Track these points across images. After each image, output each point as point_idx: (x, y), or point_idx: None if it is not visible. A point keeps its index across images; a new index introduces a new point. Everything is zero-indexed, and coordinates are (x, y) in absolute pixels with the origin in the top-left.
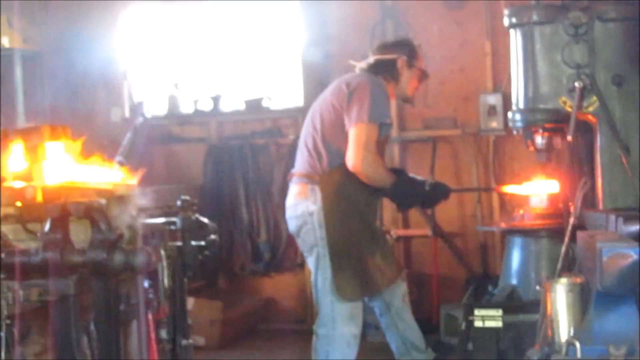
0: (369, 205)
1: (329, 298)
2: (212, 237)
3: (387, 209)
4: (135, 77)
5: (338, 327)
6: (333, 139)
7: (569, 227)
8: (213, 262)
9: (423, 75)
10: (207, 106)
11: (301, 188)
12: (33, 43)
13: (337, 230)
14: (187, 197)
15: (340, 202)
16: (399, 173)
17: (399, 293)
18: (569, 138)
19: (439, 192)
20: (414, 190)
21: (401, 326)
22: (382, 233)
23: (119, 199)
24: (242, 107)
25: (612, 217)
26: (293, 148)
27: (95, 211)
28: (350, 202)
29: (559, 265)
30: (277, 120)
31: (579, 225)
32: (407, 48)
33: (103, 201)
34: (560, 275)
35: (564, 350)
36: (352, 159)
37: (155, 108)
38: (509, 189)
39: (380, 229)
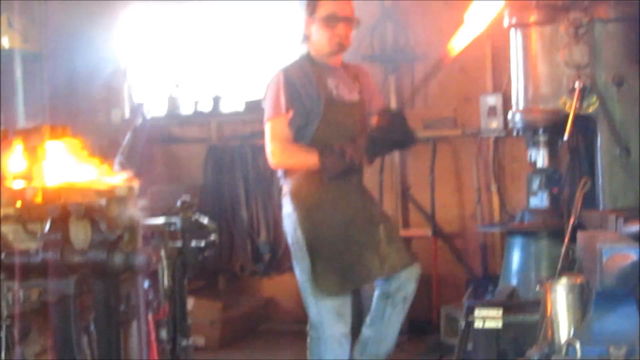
0: (342, 198)
1: (312, 298)
2: (212, 237)
3: (387, 208)
4: (135, 78)
5: (327, 329)
6: None
7: (569, 227)
8: (213, 262)
9: (330, 20)
10: (207, 107)
11: (284, 188)
12: (33, 43)
13: (311, 228)
14: (187, 198)
15: (307, 198)
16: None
17: (404, 290)
18: (565, 138)
19: (388, 137)
20: (342, 153)
21: (384, 324)
22: (368, 226)
23: (119, 199)
24: (242, 107)
25: (612, 217)
26: None
27: (95, 211)
28: (318, 197)
29: (559, 266)
30: None
31: (579, 225)
32: (304, 7)
33: (103, 201)
34: (560, 276)
35: (564, 350)
36: (268, 157)
37: (155, 109)
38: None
39: (367, 221)
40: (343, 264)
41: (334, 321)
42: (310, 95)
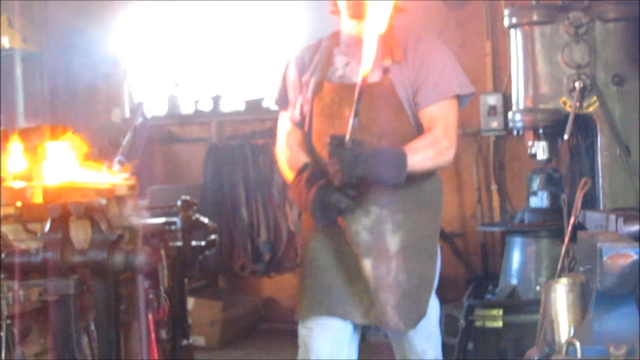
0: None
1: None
2: (212, 237)
3: None
4: (136, 77)
5: (300, 355)
6: None
7: (569, 227)
8: (213, 262)
9: None
10: (207, 106)
11: None
12: (33, 43)
13: (304, 244)
14: (187, 197)
15: (302, 213)
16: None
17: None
18: (566, 137)
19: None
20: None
21: None
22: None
23: (119, 198)
24: (242, 107)
25: (612, 217)
26: None
27: (95, 211)
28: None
29: (559, 266)
30: (277, 120)
31: (579, 225)
32: None
33: (103, 201)
34: (560, 276)
35: (564, 350)
36: None
37: (155, 108)
38: None
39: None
40: (325, 287)
41: (302, 352)
42: (310, 80)
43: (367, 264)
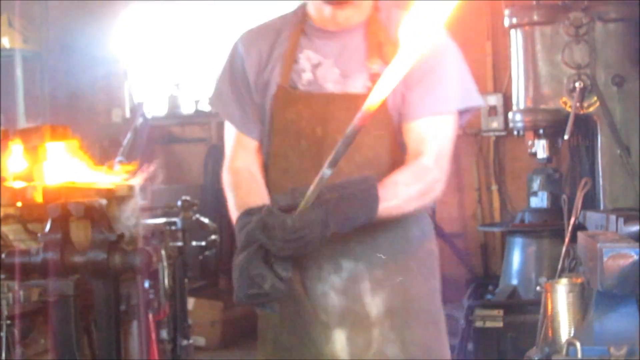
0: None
1: None
2: (213, 237)
3: None
4: (136, 77)
5: None
6: None
7: (569, 227)
8: (213, 262)
9: None
10: (207, 106)
11: None
12: (33, 43)
13: (261, 316)
14: (188, 198)
15: None
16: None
17: None
18: (566, 137)
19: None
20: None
21: None
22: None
23: (119, 199)
24: None
25: (613, 217)
26: None
27: (95, 211)
28: None
29: (559, 266)
30: None
31: (579, 225)
32: None
33: (103, 201)
34: (560, 276)
35: (564, 350)
36: None
37: (155, 108)
38: None
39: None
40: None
41: None
42: (269, 81)
43: (340, 337)
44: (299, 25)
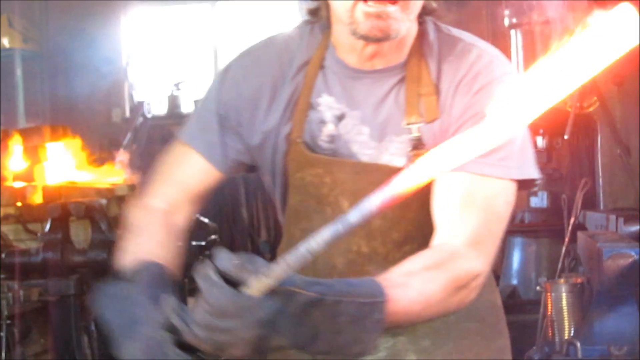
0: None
1: None
2: (213, 237)
3: None
4: (136, 77)
5: None
6: None
7: (569, 227)
8: None
9: None
10: None
11: None
12: (33, 43)
13: None
14: None
15: None
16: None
17: None
18: (566, 137)
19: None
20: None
21: None
22: None
23: (119, 198)
24: None
25: (613, 217)
26: None
27: (95, 211)
28: None
29: (559, 266)
30: None
31: (579, 225)
32: None
33: (103, 201)
34: (560, 276)
35: (564, 350)
36: None
37: (156, 108)
38: None
39: None
40: None
41: None
42: (278, 130)
43: None
44: (318, 57)
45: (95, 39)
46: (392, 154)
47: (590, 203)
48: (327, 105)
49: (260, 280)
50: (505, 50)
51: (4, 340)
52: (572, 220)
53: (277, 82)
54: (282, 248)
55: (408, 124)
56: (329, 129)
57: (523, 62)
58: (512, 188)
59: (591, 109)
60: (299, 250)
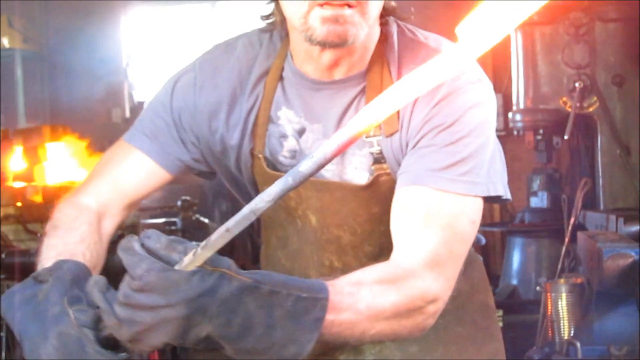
0: None
1: None
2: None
3: None
4: (136, 77)
5: None
6: None
7: (569, 228)
8: None
9: None
10: None
11: None
12: (33, 43)
13: None
14: (188, 197)
15: None
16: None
17: None
18: (566, 137)
19: None
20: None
21: None
22: None
23: None
24: None
25: (613, 217)
26: None
27: None
28: None
29: (559, 266)
30: None
31: (579, 225)
32: None
33: None
34: (560, 276)
35: (564, 350)
36: None
37: None
38: None
39: None
40: None
41: None
42: (238, 145)
43: None
44: (276, 66)
45: (95, 39)
46: (355, 167)
47: (590, 203)
48: (287, 119)
49: (193, 254)
50: (505, 50)
51: (4, 340)
52: (572, 220)
53: (237, 92)
54: (262, 254)
55: (367, 137)
56: (291, 143)
57: (523, 62)
58: (477, 205)
59: (591, 109)
60: (241, 212)
